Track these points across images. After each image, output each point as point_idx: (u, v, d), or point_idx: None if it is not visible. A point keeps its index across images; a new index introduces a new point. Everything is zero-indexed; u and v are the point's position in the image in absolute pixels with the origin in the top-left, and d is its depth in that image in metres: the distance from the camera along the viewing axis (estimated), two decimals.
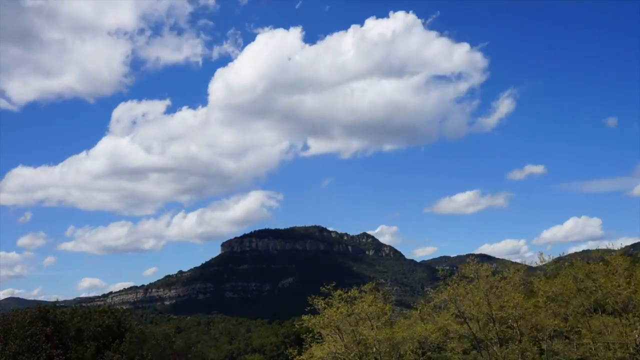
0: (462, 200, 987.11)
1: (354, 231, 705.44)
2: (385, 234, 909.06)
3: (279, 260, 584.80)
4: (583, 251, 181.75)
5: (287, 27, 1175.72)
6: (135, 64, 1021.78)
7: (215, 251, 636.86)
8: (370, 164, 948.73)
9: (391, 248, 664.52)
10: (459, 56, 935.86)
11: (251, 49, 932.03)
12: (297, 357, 41.97)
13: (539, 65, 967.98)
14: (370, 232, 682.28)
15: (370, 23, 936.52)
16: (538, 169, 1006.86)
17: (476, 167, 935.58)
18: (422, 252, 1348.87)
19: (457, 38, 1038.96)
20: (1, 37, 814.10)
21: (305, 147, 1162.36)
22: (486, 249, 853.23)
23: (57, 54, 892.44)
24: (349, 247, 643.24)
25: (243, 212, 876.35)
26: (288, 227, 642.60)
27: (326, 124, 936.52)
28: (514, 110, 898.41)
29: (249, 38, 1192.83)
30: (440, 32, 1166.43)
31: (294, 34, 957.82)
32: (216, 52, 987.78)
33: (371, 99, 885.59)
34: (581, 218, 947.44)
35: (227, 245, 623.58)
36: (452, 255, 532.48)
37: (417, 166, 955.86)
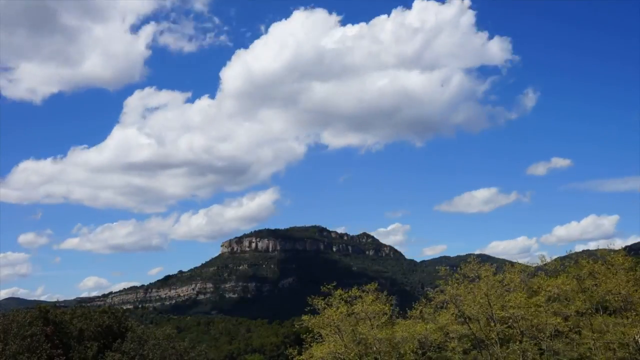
0: (480, 197, 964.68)
1: (360, 230, 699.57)
2: (397, 233, 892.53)
3: (279, 260, 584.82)
4: (584, 250, 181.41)
5: (329, 9, 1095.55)
6: (156, 51, 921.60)
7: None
8: (385, 159, 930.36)
9: (391, 248, 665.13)
10: (488, 49, 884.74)
11: (277, 31, 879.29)
12: (297, 357, 41.86)
13: (563, 63, 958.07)
14: (379, 230, 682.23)
15: (418, 5, 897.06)
16: (565, 162, 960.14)
17: (496, 162, 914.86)
18: (432, 251, 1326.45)
19: (491, 31, 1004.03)
20: (17, 23, 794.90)
21: (321, 141, 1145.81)
22: (495, 247, 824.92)
23: (76, 41, 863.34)
24: (349, 247, 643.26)
25: (256, 209, 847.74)
26: (288, 227, 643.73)
27: (343, 116, 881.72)
28: (539, 104, 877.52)
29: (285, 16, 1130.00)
30: (478, 24, 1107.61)
31: (333, 17, 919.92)
32: (246, 36, 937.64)
33: (393, 91, 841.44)
34: (600, 216, 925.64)
35: (227, 245, 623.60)
36: (451, 256, 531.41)
37: (435, 161, 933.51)
